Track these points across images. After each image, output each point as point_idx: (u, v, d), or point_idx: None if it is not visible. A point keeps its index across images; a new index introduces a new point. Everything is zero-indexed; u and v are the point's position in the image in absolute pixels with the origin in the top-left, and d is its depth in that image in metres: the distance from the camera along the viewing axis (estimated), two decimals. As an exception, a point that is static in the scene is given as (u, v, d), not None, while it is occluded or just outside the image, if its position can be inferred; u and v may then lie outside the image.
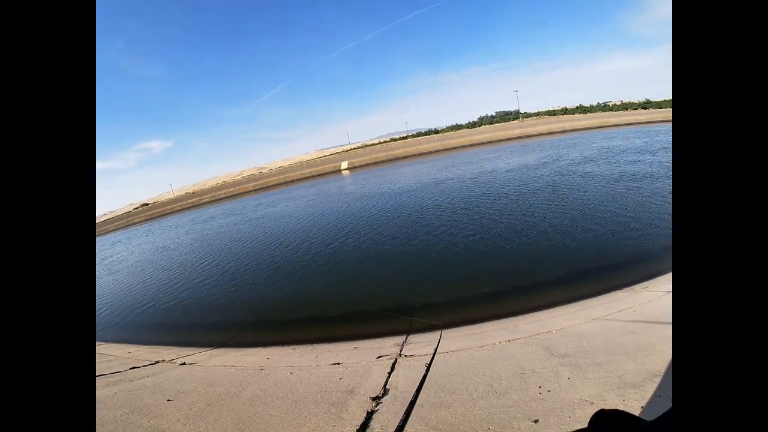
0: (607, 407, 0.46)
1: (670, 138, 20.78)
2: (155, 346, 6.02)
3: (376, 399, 2.63)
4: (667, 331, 2.81)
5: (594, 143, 25.55)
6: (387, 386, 2.84)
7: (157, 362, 4.71)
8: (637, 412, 1.94)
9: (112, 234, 41.55)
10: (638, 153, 17.35)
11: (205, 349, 5.38)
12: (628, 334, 3.04)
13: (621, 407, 0.43)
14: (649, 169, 12.66)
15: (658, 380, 2.15)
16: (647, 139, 22.82)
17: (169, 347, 5.77)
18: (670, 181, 10.29)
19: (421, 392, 2.61)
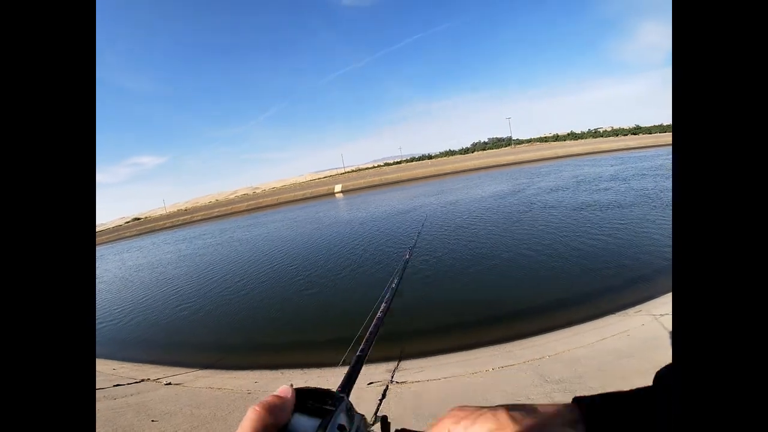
0: None
1: (661, 162, 21.26)
2: (140, 364, 5.82)
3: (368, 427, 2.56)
4: (661, 355, 2.81)
5: (581, 170, 26.02)
6: (378, 414, 2.77)
7: (142, 380, 4.55)
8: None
9: (102, 247, 40.69)
10: (618, 180, 17.66)
11: (192, 369, 5.22)
12: (623, 358, 3.04)
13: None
14: (631, 197, 12.89)
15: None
16: (635, 164, 23.32)
17: (155, 366, 5.58)
18: (658, 207, 10.48)
19: (414, 421, 2.55)
